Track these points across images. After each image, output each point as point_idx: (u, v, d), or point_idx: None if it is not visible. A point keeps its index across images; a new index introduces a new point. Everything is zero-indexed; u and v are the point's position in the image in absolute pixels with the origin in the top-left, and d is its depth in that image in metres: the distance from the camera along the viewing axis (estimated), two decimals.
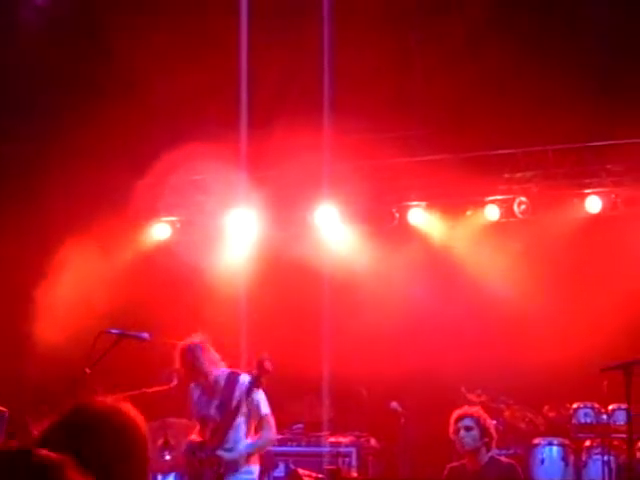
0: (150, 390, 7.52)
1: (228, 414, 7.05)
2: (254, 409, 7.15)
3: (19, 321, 10.87)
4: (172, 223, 12.61)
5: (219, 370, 7.26)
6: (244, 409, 7.09)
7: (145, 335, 7.00)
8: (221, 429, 7.09)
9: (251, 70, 8.37)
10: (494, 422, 10.31)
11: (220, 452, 7.03)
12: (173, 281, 11.76)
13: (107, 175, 10.64)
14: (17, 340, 9.89)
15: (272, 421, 7.24)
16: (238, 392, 7.14)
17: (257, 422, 7.19)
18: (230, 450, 7.07)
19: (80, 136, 10.60)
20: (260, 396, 7.20)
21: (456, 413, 7.22)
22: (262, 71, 9.02)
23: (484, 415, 7.28)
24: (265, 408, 7.21)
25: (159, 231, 12.53)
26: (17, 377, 8.56)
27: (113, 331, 6.77)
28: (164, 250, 12.39)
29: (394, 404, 10.53)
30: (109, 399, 2.67)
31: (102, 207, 10.89)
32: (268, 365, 6.99)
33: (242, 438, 7.14)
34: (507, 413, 10.79)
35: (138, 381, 7.35)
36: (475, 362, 11.34)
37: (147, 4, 9.89)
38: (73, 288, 11.14)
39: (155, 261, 12.21)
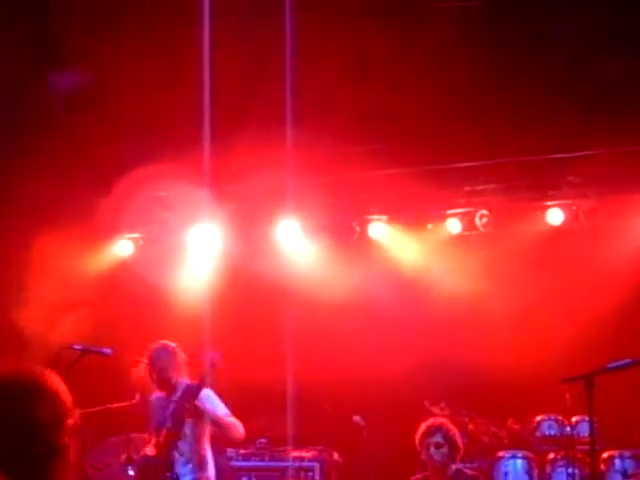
0: (113, 406, 7.59)
1: (177, 422, 7.13)
2: (209, 414, 7.20)
3: None
4: (135, 240, 12.65)
5: (182, 380, 7.36)
6: (194, 415, 7.16)
7: (107, 350, 7.09)
8: (172, 438, 7.15)
9: (213, 86, 8.47)
10: None
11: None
12: (136, 298, 11.79)
13: (70, 191, 10.68)
14: None
15: (236, 419, 7.27)
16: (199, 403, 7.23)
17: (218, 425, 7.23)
18: (183, 461, 7.12)
19: (42, 152, 10.63)
20: (214, 400, 7.27)
21: (424, 426, 7.23)
22: (224, 87, 9.11)
23: (452, 428, 7.30)
24: (223, 409, 7.27)
25: (122, 248, 12.56)
26: None
27: (76, 347, 6.85)
28: (127, 267, 12.46)
29: (357, 418, 10.64)
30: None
31: (64, 223, 10.91)
32: (216, 359, 7.07)
33: (195, 447, 7.19)
34: (471, 427, 10.89)
35: (101, 397, 7.40)
36: (438, 375, 11.45)
37: (111, 21, 9.95)
38: (34, 304, 11.16)
39: (118, 278, 12.27)
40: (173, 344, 7.44)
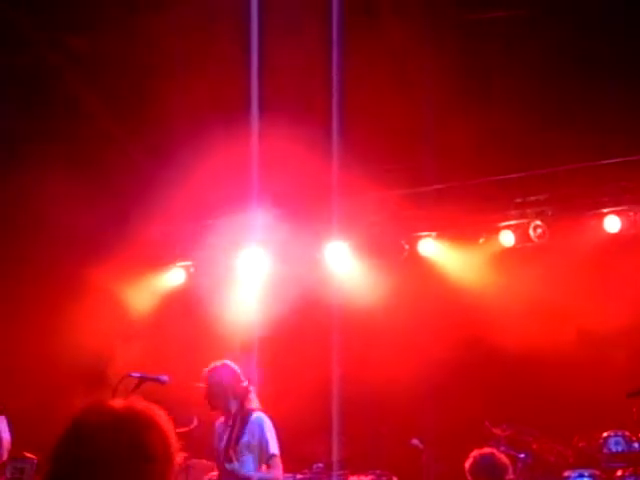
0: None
1: (234, 448, 7.41)
2: (263, 447, 7.47)
3: (35, 367, 11.30)
4: (186, 268, 13.21)
5: (240, 405, 7.64)
6: (251, 445, 7.44)
7: (164, 378, 7.39)
8: (228, 464, 7.43)
9: (260, 110, 8.82)
10: (522, 455, 10.65)
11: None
12: (189, 324, 12.18)
13: (123, 222, 11.10)
14: (38, 388, 10.26)
15: (280, 463, 7.52)
16: (247, 428, 7.50)
17: (266, 462, 7.47)
18: None
19: (95, 184, 11.11)
20: (270, 435, 7.56)
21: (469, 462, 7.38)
22: (271, 110, 9.45)
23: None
24: (274, 448, 7.51)
25: (174, 276, 13.20)
26: (44, 424, 8.98)
27: (134, 374, 7.18)
28: (179, 295, 12.98)
29: (415, 441, 10.79)
30: (114, 403, 2.60)
31: (117, 253, 11.33)
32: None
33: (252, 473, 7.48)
34: (535, 446, 10.94)
35: None
36: (499, 395, 11.58)
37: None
38: (91, 334, 11.58)
39: (171, 306, 12.76)
40: (232, 364, 7.73)
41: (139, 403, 2.61)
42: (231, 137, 9.68)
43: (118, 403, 2.60)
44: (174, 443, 2.58)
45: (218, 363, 7.75)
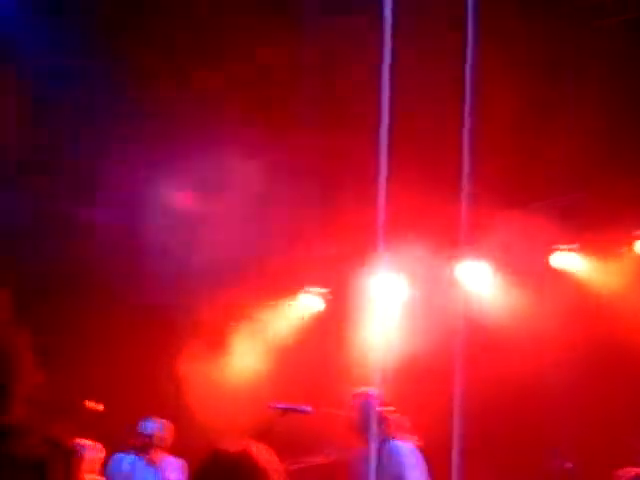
0: (314, 462, 8.18)
1: None
2: (400, 478, 7.69)
3: (172, 398, 11.83)
4: (323, 295, 13.61)
5: (389, 436, 7.85)
6: (388, 476, 7.65)
7: (308, 408, 7.67)
8: None
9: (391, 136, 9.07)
10: None
11: None
12: (327, 352, 12.54)
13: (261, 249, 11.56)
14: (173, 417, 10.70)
15: None
16: (384, 458, 7.71)
17: None
18: None
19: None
20: (409, 465, 7.74)
21: None
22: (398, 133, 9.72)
23: None
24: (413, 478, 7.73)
25: (311, 303, 13.63)
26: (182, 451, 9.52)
27: (279, 406, 7.49)
28: (317, 322, 13.38)
29: (568, 464, 10.80)
30: (241, 444, 2.90)
31: (254, 280, 11.78)
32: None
33: None
34: None
35: (300, 453, 7.99)
36: None
37: None
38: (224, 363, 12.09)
39: (309, 333, 13.17)
40: (374, 392, 7.83)
41: (252, 446, 2.94)
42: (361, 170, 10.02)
43: (233, 447, 2.95)
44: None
45: (360, 391, 7.93)
